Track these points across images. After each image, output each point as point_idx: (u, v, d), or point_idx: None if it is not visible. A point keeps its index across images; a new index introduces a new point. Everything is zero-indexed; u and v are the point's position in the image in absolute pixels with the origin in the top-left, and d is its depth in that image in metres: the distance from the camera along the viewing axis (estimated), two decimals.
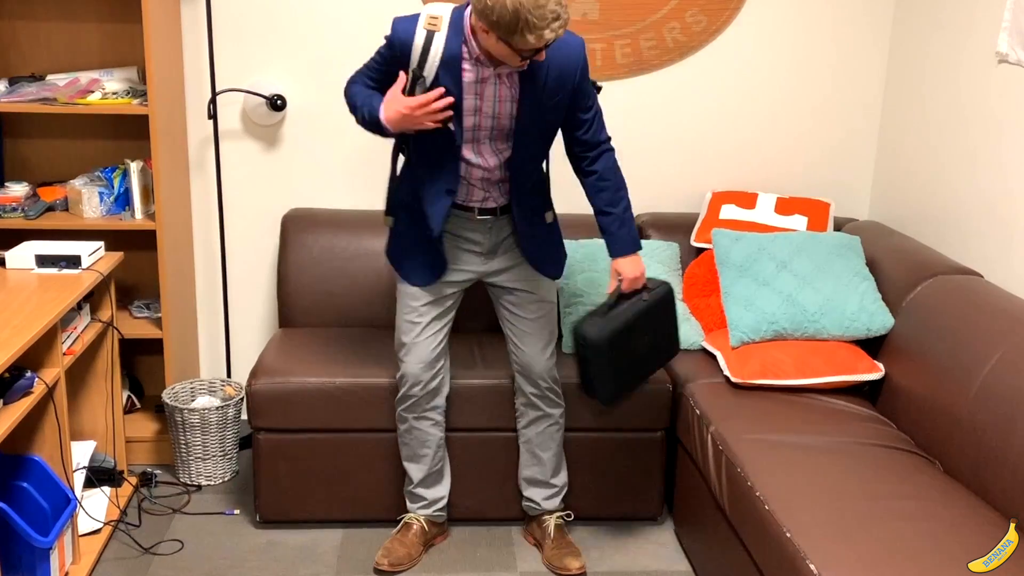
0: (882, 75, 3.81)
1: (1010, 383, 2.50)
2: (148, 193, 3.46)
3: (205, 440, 3.40)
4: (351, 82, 2.78)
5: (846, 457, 2.62)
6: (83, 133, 3.63)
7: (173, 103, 3.48)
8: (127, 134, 3.61)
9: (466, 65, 2.59)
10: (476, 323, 3.44)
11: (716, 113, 3.80)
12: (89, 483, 3.10)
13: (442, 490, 3.10)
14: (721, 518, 2.76)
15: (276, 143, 3.73)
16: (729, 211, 3.63)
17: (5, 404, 2.49)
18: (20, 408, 2.51)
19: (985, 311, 2.77)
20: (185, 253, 3.68)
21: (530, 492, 3.12)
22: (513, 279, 2.92)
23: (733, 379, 3.06)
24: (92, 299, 3.13)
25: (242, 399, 3.45)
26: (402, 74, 2.59)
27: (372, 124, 2.67)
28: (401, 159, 2.86)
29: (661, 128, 3.80)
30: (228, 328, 3.78)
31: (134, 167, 3.40)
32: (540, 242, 2.90)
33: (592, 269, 3.38)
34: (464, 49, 2.58)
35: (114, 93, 3.41)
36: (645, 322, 2.87)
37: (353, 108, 2.74)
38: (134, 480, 3.34)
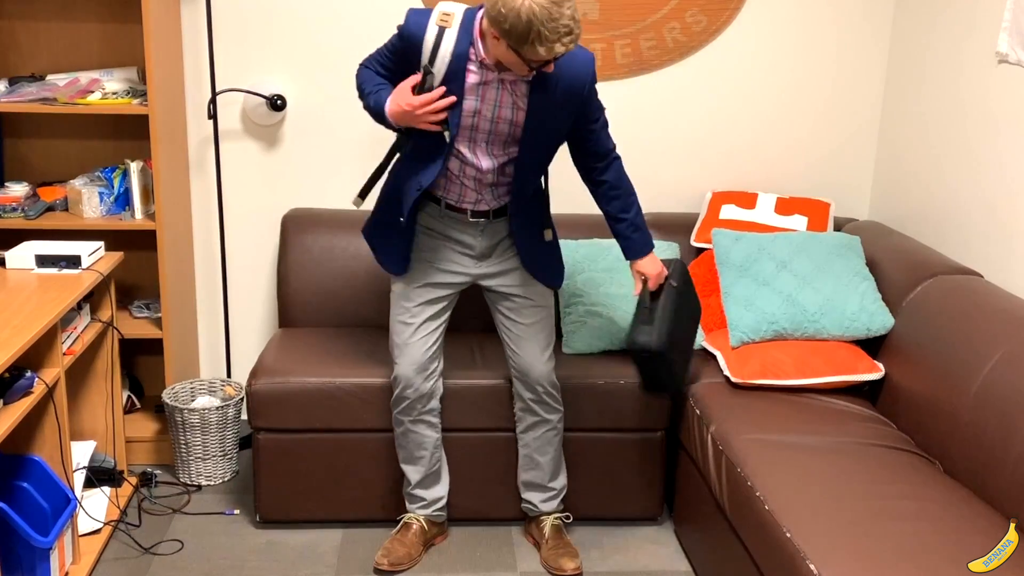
0: (882, 75, 3.81)
1: (1010, 383, 2.50)
2: (148, 193, 3.46)
3: (205, 440, 3.40)
4: (363, 66, 2.80)
5: (846, 457, 2.62)
6: (83, 133, 3.63)
7: (173, 103, 3.48)
8: (127, 134, 3.61)
9: (471, 67, 2.60)
10: (475, 323, 3.44)
11: (716, 113, 3.80)
12: (89, 483, 3.10)
13: (441, 490, 3.10)
14: (721, 518, 2.75)
15: (276, 143, 3.73)
16: (729, 211, 3.63)
17: (5, 404, 2.49)
18: (20, 408, 2.51)
19: (985, 311, 2.76)
20: (185, 253, 3.67)
21: (528, 495, 3.13)
22: (509, 284, 2.93)
23: (733, 379, 3.06)
24: (92, 299, 3.13)
25: (242, 399, 3.45)
26: (417, 75, 2.61)
27: (377, 114, 2.70)
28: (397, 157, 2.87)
29: (661, 128, 3.80)
30: (228, 328, 3.78)
31: (134, 167, 3.40)
32: (540, 256, 2.92)
33: (592, 269, 3.37)
34: (471, 51, 2.59)
35: (114, 93, 3.41)
36: (682, 303, 2.99)
37: (362, 93, 2.77)
38: (134, 480, 3.34)
